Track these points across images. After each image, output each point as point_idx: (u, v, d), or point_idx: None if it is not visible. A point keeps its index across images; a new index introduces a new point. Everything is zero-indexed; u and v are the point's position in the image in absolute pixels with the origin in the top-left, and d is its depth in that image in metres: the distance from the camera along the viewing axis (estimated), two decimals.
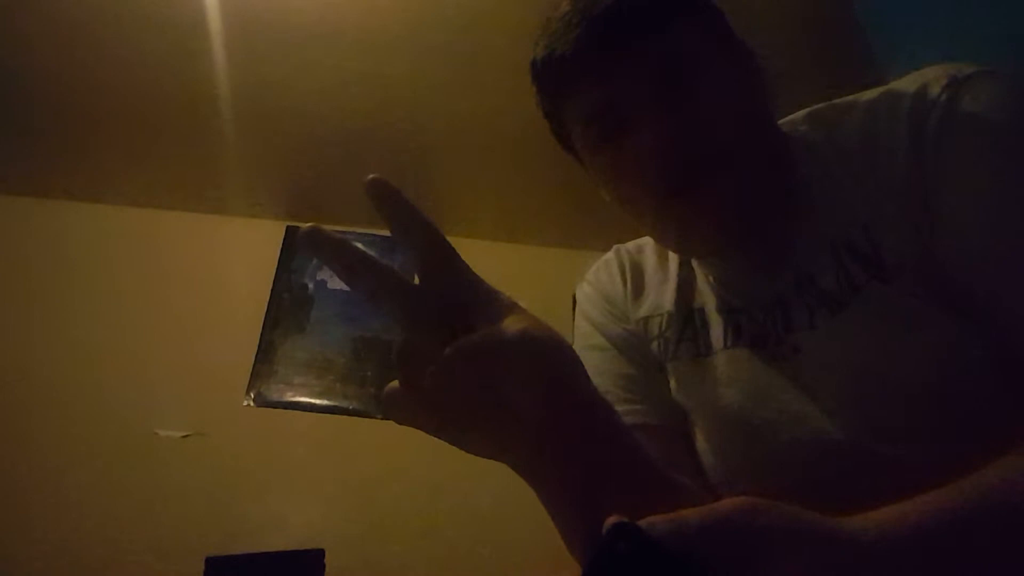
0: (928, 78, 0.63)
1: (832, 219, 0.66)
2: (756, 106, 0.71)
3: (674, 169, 0.65)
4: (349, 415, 2.50)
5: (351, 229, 2.85)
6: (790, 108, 0.77)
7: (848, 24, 1.82)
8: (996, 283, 0.57)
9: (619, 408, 0.77)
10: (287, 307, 2.68)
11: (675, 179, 0.65)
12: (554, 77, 0.71)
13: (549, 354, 0.49)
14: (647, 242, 0.86)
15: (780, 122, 0.75)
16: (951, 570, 0.41)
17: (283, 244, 2.78)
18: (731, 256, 0.73)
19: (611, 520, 0.36)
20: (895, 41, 1.64)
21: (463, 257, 0.53)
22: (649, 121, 0.66)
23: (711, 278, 0.77)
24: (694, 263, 0.79)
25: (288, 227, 2.81)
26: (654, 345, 0.80)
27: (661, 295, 0.81)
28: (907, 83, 0.65)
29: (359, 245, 0.52)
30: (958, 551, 0.42)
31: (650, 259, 0.85)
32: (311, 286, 2.73)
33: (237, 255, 2.74)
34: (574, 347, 0.86)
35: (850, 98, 0.70)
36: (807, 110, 0.75)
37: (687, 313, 0.78)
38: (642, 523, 0.36)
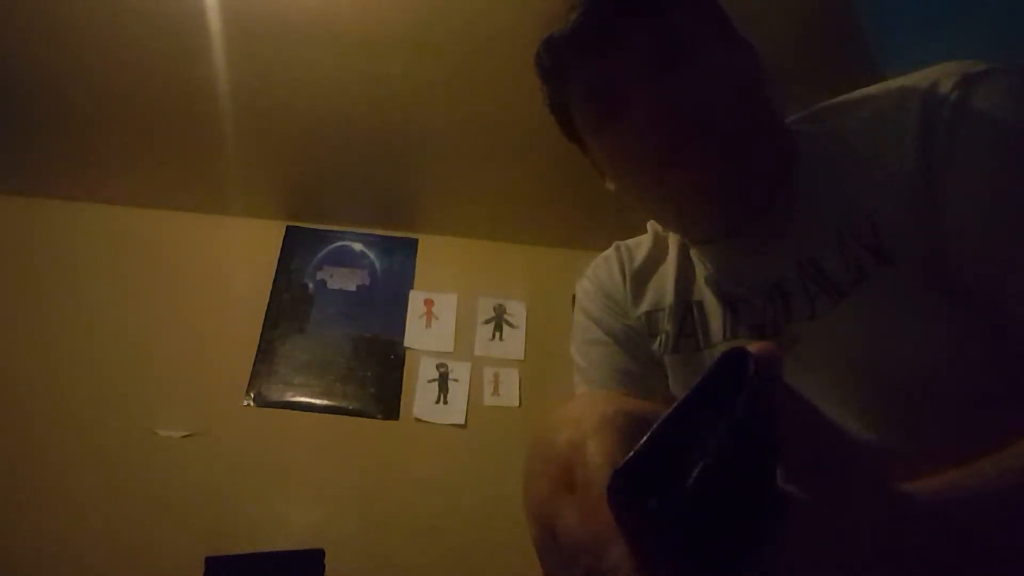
0: (940, 74, 0.63)
1: (837, 207, 0.67)
2: (751, 86, 0.72)
3: (668, 139, 0.67)
4: (349, 415, 2.50)
5: (351, 229, 2.86)
6: (791, 108, 0.77)
7: (848, 24, 1.82)
8: (1002, 279, 0.57)
9: None
10: (287, 307, 2.68)
11: (670, 149, 0.67)
12: (555, 59, 0.74)
13: None
14: (647, 239, 0.87)
15: (788, 120, 0.76)
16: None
17: (283, 244, 2.78)
18: (731, 241, 0.74)
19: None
20: (895, 41, 1.64)
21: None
22: (643, 94, 0.68)
23: (710, 266, 0.77)
24: (693, 255, 0.80)
25: (288, 227, 2.81)
26: (656, 340, 0.81)
27: (661, 290, 0.82)
28: (918, 79, 0.65)
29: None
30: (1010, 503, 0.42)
31: (650, 255, 0.85)
32: (311, 286, 2.73)
33: (237, 255, 2.74)
34: (572, 343, 0.87)
35: (859, 92, 0.71)
36: (815, 107, 0.75)
37: (686, 307, 0.79)
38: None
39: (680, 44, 0.69)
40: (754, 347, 0.36)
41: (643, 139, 0.68)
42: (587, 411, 0.43)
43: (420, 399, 2.54)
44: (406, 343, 2.65)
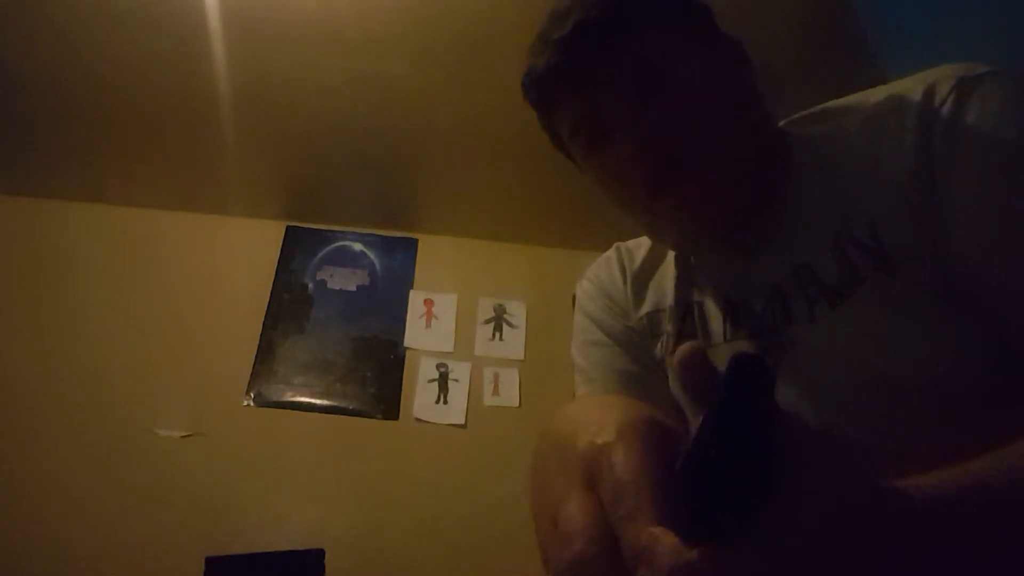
0: (936, 78, 0.63)
1: (834, 212, 0.67)
2: (739, 100, 0.72)
3: (653, 170, 0.68)
4: (349, 415, 2.50)
5: (351, 229, 2.86)
6: (790, 108, 0.77)
7: (848, 24, 1.82)
8: (1002, 282, 0.57)
9: None
10: (287, 307, 2.68)
11: (655, 180, 0.68)
12: (537, 94, 0.75)
13: None
14: (647, 240, 0.87)
15: (784, 121, 0.76)
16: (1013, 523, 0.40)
17: (283, 244, 2.78)
18: (727, 248, 0.74)
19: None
20: (895, 41, 1.64)
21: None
22: (626, 127, 0.69)
23: (709, 271, 0.78)
24: (692, 257, 0.80)
25: (288, 227, 2.81)
26: (658, 342, 0.81)
27: (662, 291, 0.82)
28: (915, 82, 0.65)
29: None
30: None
31: (650, 256, 0.85)
32: (311, 286, 2.73)
33: (237, 255, 2.74)
34: (573, 343, 0.87)
35: (856, 96, 0.71)
36: (812, 109, 0.75)
37: (686, 308, 0.79)
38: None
39: (660, 71, 0.68)
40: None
41: (628, 170, 0.69)
42: (606, 414, 0.42)
43: (420, 399, 2.54)
44: (406, 343, 2.65)
